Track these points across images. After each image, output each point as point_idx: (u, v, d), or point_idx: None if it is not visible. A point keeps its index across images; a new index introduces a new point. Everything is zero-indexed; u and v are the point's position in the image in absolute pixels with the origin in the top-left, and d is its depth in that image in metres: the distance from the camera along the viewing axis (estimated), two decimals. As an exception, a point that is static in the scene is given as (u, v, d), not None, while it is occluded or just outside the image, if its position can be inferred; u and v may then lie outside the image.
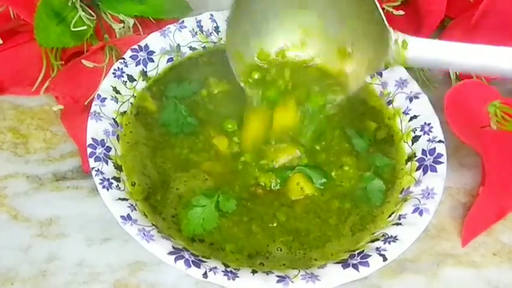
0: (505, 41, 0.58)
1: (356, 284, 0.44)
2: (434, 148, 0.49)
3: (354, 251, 0.44)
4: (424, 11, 0.58)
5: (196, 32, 0.57)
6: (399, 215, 0.46)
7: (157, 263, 0.48)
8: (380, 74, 0.55)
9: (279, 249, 0.45)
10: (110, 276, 0.47)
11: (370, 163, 0.50)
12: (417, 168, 0.49)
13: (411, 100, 0.53)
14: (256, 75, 0.53)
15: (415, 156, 0.50)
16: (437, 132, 0.50)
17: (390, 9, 0.60)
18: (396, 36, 0.48)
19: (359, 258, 0.43)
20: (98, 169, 0.46)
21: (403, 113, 0.53)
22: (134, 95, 0.52)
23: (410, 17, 0.60)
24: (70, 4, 0.58)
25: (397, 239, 0.44)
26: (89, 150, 0.46)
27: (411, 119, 0.52)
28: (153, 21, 0.61)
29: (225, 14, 0.57)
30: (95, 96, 0.50)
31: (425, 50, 0.48)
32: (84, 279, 0.47)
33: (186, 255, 0.42)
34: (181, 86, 0.54)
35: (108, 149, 0.48)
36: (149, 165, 0.49)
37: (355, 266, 0.42)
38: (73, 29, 0.57)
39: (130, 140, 0.50)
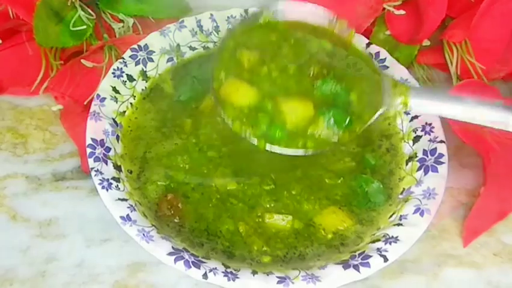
0: (505, 41, 0.58)
1: (356, 284, 0.44)
2: (435, 148, 0.49)
3: (355, 251, 0.44)
4: (425, 11, 0.58)
5: (196, 32, 0.57)
6: (400, 216, 0.46)
7: (157, 263, 0.47)
8: (381, 74, 0.55)
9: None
10: (110, 277, 0.47)
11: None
12: (419, 169, 0.49)
13: (412, 100, 0.52)
14: None
15: (416, 157, 0.49)
16: (438, 132, 0.50)
17: (391, 9, 0.60)
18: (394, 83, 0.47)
19: (359, 258, 0.43)
20: (98, 169, 0.45)
21: (404, 113, 0.52)
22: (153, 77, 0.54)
23: (411, 17, 0.60)
24: (69, 4, 0.58)
25: (398, 240, 0.44)
26: (88, 150, 0.46)
27: (412, 119, 0.52)
28: (153, 20, 0.61)
29: (225, 13, 0.57)
30: (95, 96, 0.50)
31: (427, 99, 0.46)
32: (83, 280, 0.47)
33: (186, 256, 0.41)
34: (202, 67, 0.55)
35: (107, 149, 0.47)
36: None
37: (356, 267, 0.42)
38: (72, 29, 0.57)
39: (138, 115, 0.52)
